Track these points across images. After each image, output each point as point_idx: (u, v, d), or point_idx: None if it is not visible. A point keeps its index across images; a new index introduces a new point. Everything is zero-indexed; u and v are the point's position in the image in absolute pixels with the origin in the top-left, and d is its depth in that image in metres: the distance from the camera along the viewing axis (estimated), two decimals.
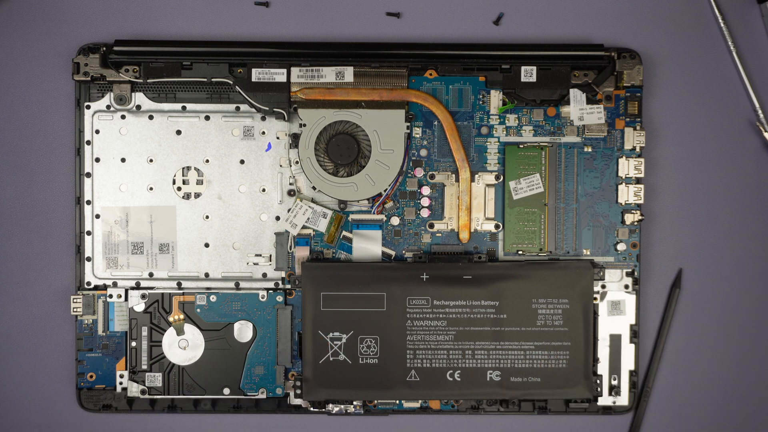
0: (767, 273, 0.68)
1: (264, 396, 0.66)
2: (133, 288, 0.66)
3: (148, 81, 0.64)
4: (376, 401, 0.66)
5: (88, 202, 0.65)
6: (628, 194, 0.66)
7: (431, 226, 0.66)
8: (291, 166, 0.66)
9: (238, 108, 0.66)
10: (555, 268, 0.64)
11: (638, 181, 0.66)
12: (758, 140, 0.68)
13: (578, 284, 0.64)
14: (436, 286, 0.64)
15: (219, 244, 0.66)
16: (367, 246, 0.66)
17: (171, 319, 0.66)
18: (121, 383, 0.66)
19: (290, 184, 0.66)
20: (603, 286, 0.66)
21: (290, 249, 0.66)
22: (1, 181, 0.67)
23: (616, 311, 0.66)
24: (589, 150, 0.66)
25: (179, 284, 0.66)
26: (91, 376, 0.66)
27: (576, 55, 0.65)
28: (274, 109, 0.64)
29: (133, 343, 0.66)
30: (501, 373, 0.64)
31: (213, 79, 0.64)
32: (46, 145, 0.67)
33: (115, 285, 0.66)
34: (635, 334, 0.66)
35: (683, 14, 0.67)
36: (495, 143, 0.66)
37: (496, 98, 0.66)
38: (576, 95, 0.66)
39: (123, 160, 0.65)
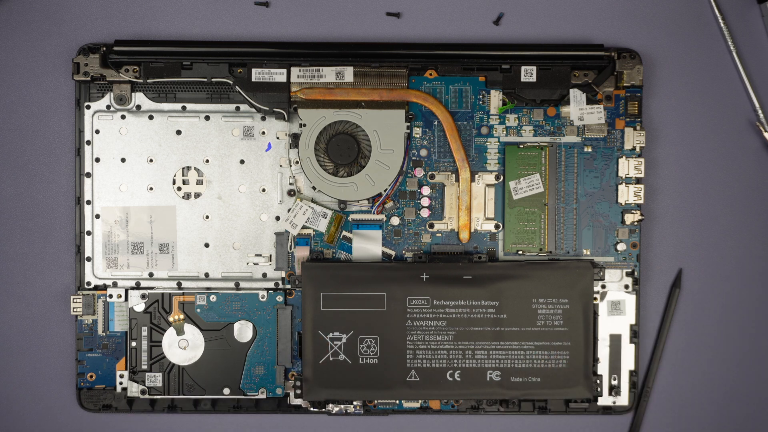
0: (767, 273, 0.68)
1: (264, 396, 0.66)
2: (133, 288, 0.66)
3: (148, 81, 0.64)
4: (376, 401, 0.66)
5: (88, 202, 0.65)
6: (628, 194, 0.66)
7: (431, 226, 0.66)
8: (291, 166, 0.66)
9: (238, 108, 0.66)
10: (555, 268, 0.64)
11: (638, 181, 0.66)
12: (758, 140, 0.68)
13: (578, 284, 0.64)
14: (436, 286, 0.64)
15: (219, 244, 0.66)
16: (367, 246, 0.66)
17: (171, 319, 0.66)
18: (121, 383, 0.66)
19: (290, 184, 0.66)
20: (603, 286, 0.66)
21: (290, 249, 0.66)
22: (1, 181, 0.67)
23: (616, 311, 0.66)
24: (589, 150, 0.66)
25: (179, 284, 0.66)
26: (91, 376, 0.66)
27: (576, 55, 0.65)
28: (274, 109, 0.64)
29: (133, 343, 0.66)
30: (501, 373, 0.64)
31: (213, 79, 0.65)
32: (46, 145, 0.67)
33: (115, 285, 0.66)
34: (635, 334, 0.66)
35: (683, 14, 0.67)
36: (495, 143, 0.66)
37: (496, 98, 0.66)
38: (576, 95, 0.66)
39: (123, 160, 0.65)
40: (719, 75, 0.68)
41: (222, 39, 0.67)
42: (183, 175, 0.66)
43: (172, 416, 0.67)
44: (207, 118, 0.65)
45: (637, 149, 0.66)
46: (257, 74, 0.64)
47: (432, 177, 0.66)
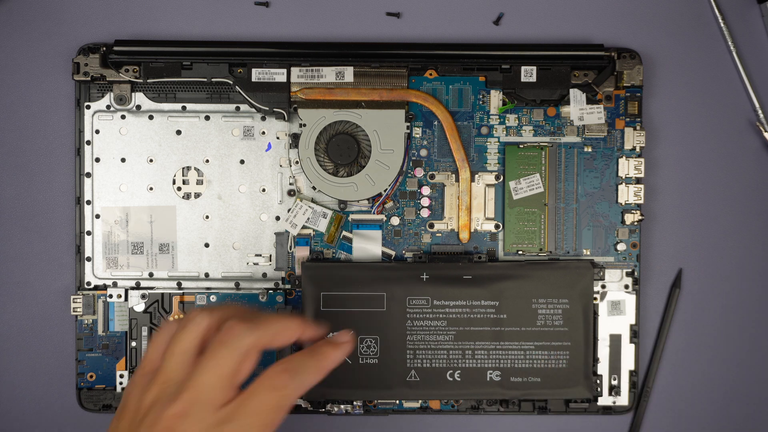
0: (767, 273, 0.68)
1: None
2: (133, 288, 0.66)
3: (148, 81, 0.64)
4: (376, 401, 0.66)
5: (88, 202, 0.65)
6: (628, 194, 0.66)
7: (431, 226, 0.66)
8: (291, 166, 0.66)
9: (238, 108, 0.66)
10: (555, 268, 0.64)
11: (638, 181, 0.66)
12: (758, 140, 0.68)
13: (578, 284, 0.64)
14: (436, 286, 0.64)
15: (219, 244, 0.66)
16: (367, 246, 0.66)
17: (171, 319, 0.66)
18: (121, 383, 0.66)
19: (290, 184, 0.66)
20: (603, 286, 0.66)
21: (290, 249, 0.66)
22: (1, 181, 0.67)
23: (616, 311, 0.66)
24: (589, 150, 0.66)
25: (179, 284, 0.66)
26: (91, 376, 0.66)
27: (576, 55, 0.65)
28: (274, 109, 0.64)
29: (133, 343, 0.66)
30: (501, 373, 0.64)
31: (213, 79, 0.64)
32: (46, 145, 0.67)
33: (115, 285, 0.66)
34: (635, 334, 0.66)
35: (683, 14, 0.67)
36: (495, 143, 0.66)
37: (496, 98, 0.66)
38: (576, 95, 0.66)
39: (123, 160, 0.65)
40: (719, 75, 0.68)
41: (222, 39, 0.67)
42: (183, 175, 0.66)
43: None
44: (207, 118, 0.65)
45: (637, 149, 0.66)
46: (257, 74, 0.64)
47: (432, 177, 0.66)
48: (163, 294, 0.66)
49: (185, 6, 0.67)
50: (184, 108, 0.66)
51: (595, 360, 0.66)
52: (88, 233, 0.65)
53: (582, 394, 0.65)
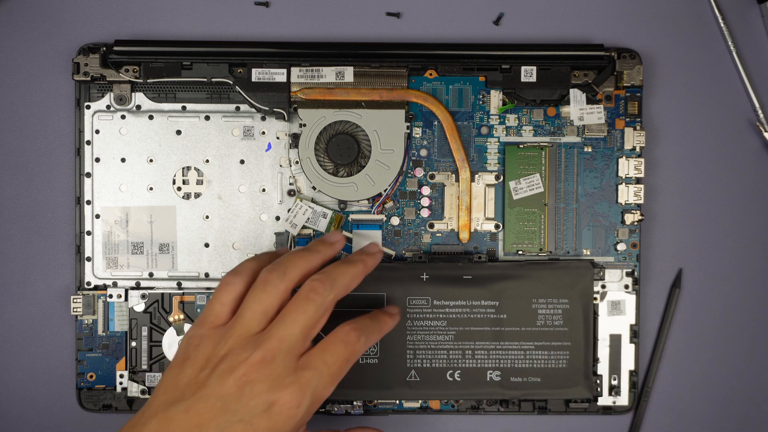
0: (767, 273, 0.68)
1: None
2: (133, 288, 0.66)
3: (148, 81, 0.64)
4: (376, 401, 0.66)
5: (88, 202, 0.65)
6: (628, 194, 0.66)
7: (431, 226, 0.66)
8: (291, 166, 0.66)
9: (238, 108, 0.66)
10: (555, 268, 0.64)
11: (638, 181, 0.66)
12: (758, 140, 0.68)
13: (578, 284, 0.64)
14: (436, 286, 0.64)
15: (219, 244, 0.66)
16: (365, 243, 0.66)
17: (171, 319, 0.66)
18: (121, 383, 0.66)
19: (290, 184, 0.66)
20: (603, 286, 0.66)
21: (290, 249, 0.66)
22: (1, 181, 0.67)
23: (616, 311, 0.66)
24: (589, 150, 0.66)
25: (179, 284, 0.66)
26: (91, 376, 0.66)
27: (576, 55, 0.65)
28: (274, 109, 0.64)
29: (133, 343, 0.66)
30: (501, 373, 0.64)
31: (213, 79, 0.65)
32: (46, 145, 0.67)
33: (115, 285, 0.66)
34: (635, 334, 0.66)
35: (683, 14, 0.67)
36: (495, 143, 0.66)
37: (496, 98, 0.66)
38: (576, 95, 0.66)
39: (123, 160, 0.65)
40: (719, 75, 0.68)
41: (222, 39, 0.67)
42: (183, 175, 0.66)
43: None
44: (207, 118, 0.65)
45: (637, 149, 0.66)
46: (257, 74, 0.64)
47: (432, 177, 0.66)
48: (163, 294, 0.66)
49: (185, 6, 0.67)
50: (184, 108, 0.66)
51: (595, 360, 0.66)
52: (88, 233, 0.65)
53: (582, 394, 0.65)
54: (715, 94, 0.68)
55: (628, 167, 0.66)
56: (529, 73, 0.65)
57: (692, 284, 0.68)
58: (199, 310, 0.66)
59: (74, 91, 0.66)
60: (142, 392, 0.66)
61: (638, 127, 0.66)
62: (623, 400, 0.67)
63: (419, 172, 0.66)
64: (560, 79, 0.65)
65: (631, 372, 0.67)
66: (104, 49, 0.64)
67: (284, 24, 0.67)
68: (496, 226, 0.66)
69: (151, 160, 0.66)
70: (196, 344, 0.54)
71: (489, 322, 0.64)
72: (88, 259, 0.66)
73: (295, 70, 0.64)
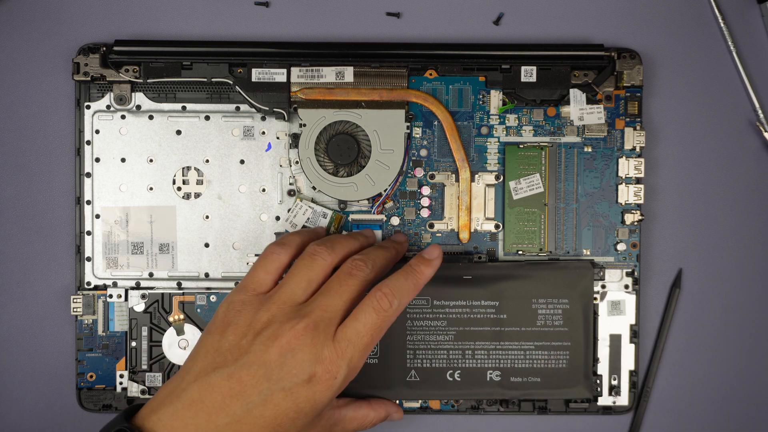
0: (767, 273, 0.68)
1: None
2: (133, 288, 0.66)
3: (148, 81, 0.64)
4: None
5: (88, 202, 0.65)
6: (628, 194, 0.66)
7: (431, 226, 0.66)
8: (291, 166, 0.66)
9: (238, 108, 0.66)
10: (555, 268, 0.64)
11: (638, 181, 0.66)
12: (758, 140, 0.68)
13: (578, 284, 0.64)
14: (436, 286, 0.64)
15: (219, 244, 0.66)
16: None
17: (171, 319, 0.66)
18: (121, 383, 0.66)
19: (290, 184, 0.66)
20: (603, 286, 0.66)
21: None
22: (1, 181, 0.67)
23: (616, 311, 0.66)
24: (589, 150, 0.66)
25: (179, 284, 0.66)
26: (91, 376, 0.66)
27: (576, 55, 0.65)
28: (274, 109, 0.64)
29: (133, 343, 0.66)
30: (501, 373, 0.64)
31: (213, 79, 0.64)
32: (46, 145, 0.67)
33: (115, 285, 0.66)
34: (635, 334, 0.66)
35: (683, 14, 0.67)
36: (495, 143, 0.66)
37: (496, 98, 0.66)
38: (576, 95, 0.66)
39: (123, 160, 0.65)
40: (719, 75, 0.68)
41: (222, 39, 0.67)
42: (183, 175, 0.66)
43: None
44: (207, 118, 0.65)
45: (637, 149, 0.66)
46: (257, 74, 0.64)
47: (432, 177, 0.66)
48: (163, 294, 0.66)
49: (185, 6, 0.67)
50: (184, 108, 0.66)
51: (595, 360, 0.66)
52: (88, 233, 0.65)
53: (582, 394, 0.65)
54: (715, 94, 0.68)
55: (628, 167, 0.66)
56: (529, 73, 0.65)
57: (692, 284, 0.68)
58: (199, 310, 0.66)
59: (74, 91, 0.66)
60: (142, 392, 0.66)
61: (638, 127, 0.66)
62: (623, 400, 0.67)
63: (419, 172, 0.66)
64: (560, 79, 0.65)
65: (631, 372, 0.67)
66: (104, 49, 0.64)
67: (284, 24, 0.67)
68: (496, 226, 0.66)
69: (151, 160, 0.66)
70: (238, 309, 0.55)
71: (489, 322, 0.64)
72: (88, 259, 0.66)
73: (295, 70, 0.64)
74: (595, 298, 0.66)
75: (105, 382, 0.66)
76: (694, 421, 0.69)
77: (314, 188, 0.65)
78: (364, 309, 0.55)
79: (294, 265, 0.57)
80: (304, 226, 0.65)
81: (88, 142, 0.65)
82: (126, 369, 0.66)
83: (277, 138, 0.66)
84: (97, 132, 0.65)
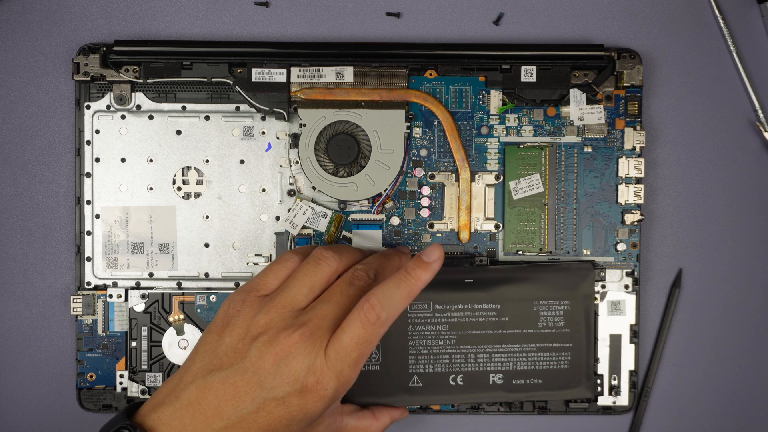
0: (767, 273, 0.68)
1: None
2: (133, 288, 0.66)
3: (148, 81, 0.64)
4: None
5: (88, 202, 0.65)
6: (628, 194, 0.66)
7: (431, 226, 0.66)
8: (291, 166, 0.66)
9: (238, 108, 0.66)
10: (556, 270, 0.64)
11: (638, 181, 0.66)
12: (758, 140, 0.68)
13: (580, 286, 0.64)
14: (437, 291, 0.64)
15: (219, 244, 0.66)
16: (367, 246, 0.66)
17: (171, 319, 0.66)
18: (121, 383, 0.66)
19: (290, 184, 0.66)
20: (603, 286, 0.66)
21: (290, 249, 0.66)
22: (1, 181, 0.67)
23: (616, 311, 0.66)
24: (589, 150, 0.66)
25: (179, 284, 0.66)
26: (91, 376, 0.66)
27: (576, 55, 0.65)
28: (274, 109, 0.64)
29: (133, 343, 0.66)
30: (503, 376, 0.64)
31: (213, 79, 0.64)
32: (46, 145, 0.67)
33: (115, 285, 0.66)
34: (635, 334, 0.66)
35: (683, 14, 0.67)
36: (495, 143, 0.66)
37: (496, 98, 0.66)
38: (576, 95, 0.66)
39: (123, 160, 0.65)
40: (719, 75, 0.68)
41: (222, 39, 0.67)
42: (183, 175, 0.66)
43: None
44: (207, 118, 0.65)
45: (637, 149, 0.66)
46: (257, 74, 0.64)
47: (432, 177, 0.66)
48: (163, 294, 0.66)
49: (185, 6, 0.67)
50: (184, 108, 0.66)
51: (596, 360, 0.66)
52: (88, 233, 0.65)
53: (584, 394, 0.65)
54: (715, 94, 0.68)
55: (628, 167, 0.66)
56: (529, 73, 0.65)
57: (692, 284, 0.68)
58: (198, 310, 0.66)
59: (74, 91, 0.66)
60: (142, 392, 0.66)
61: (638, 127, 0.66)
62: (623, 400, 0.67)
63: (419, 172, 0.66)
64: (560, 79, 0.65)
65: (631, 372, 0.67)
66: (104, 49, 0.64)
67: (284, 24, 0.67)
68: (496, 226, 0.66)
69: (151, 160, 0.66)
70: (237, 309, 0.54)
71: (491, 325, 0.64)
72: (88, 259, 0.65)
73: (295, 70, 0.64)
74: (596, 298, 0.66)
75: (105, 382, 0.66)
76: (694, 421, 0.69)
77: (314, 188, 0.65)
78: (351, 322, 0.53)
79: (298, 269, 0.56)
80: (304, 226, 0.65)
81: (88, 142, 0.65)
82: (126, 369, 0.66)
83: (277, 138, 0.66)
84: (97, 132, 0.65)
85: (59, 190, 0.67)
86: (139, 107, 0.65)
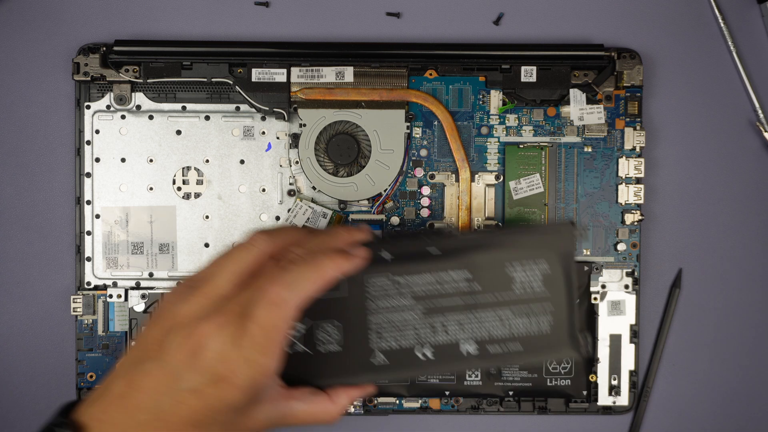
0: (767, 273, 0.68)
1: None
2: (133, 288, 0.66)
3: (148, 81, 0.64)
4: (376, 401, 0.66)
5: (88, 202, 0.65)
6: (628, 194, 0.66)
7: (431, 226, 0.66)
8: (291, 166, 0.66)
9: (238, 108, 0.66)
10: (532, 232, 0.58)
11: (638, 181, 0.66)
12: (758, 140, 0.68)
13: (558, 245, 0.58)
14: (398, 264, 0.58)
15: (219, 244, 0.66)
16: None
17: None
18: None
19: (290, 184, 0.66)
20: (603, 286, 0.66)
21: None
22: (1, 181, 0.67)
23: (616, 311, 0.66)
24: (589, 150, 0.66)
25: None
26: (91, 376, 0.66)
27: (576, 55, 0.65)
28: (274, 109, 0.64)
29: (133, 343, 0.66)
30: (478, 346, 0.59)
31: (213, 79, 0.64)
32: (46, 145, 0.67)
33: (115, 285, 0.66)
34: (635, 334, 0.66)
35: (683, 14, 0.67)
36: (495, 143, 0.66)
37: (496, 98, 0.66)
38: (576, 95, 0.66)
39: (123, 160, 0.65)
40: (719, 75, 0.68)
41: (222, 39, 0.67)
42: (183, 175, 0.66)
43: None
44: (207, 118, 0.65)
45: (637, 149, 0.66)
46: (257, 74, 0.64)
47: (432, 177, 0.66)
48: (163, 294, 0.66)
49: (185, 6, 0.67)
50: (184, 108, 0.66)
51: (595, 360, 0.66)
52: (88, 233, 0.65)
53: (568, 354, 0.59)
54: (715, 94, 0.68)
55: (628, 167, 0.66)
56: (529, 73, 0.65)
57: (692, 284, 0.68)
58: None
59: (74, 91, 0.66)
60: None
61: (638, 127, 0.66)
62: (623, 400, 0.67)
63: (419, 172, 0.66)
64: (560, 79, 0.65)
65: (631, 372, 0.67)
66: (104, 49, 0.64)
67: (284, 24, 0.67)
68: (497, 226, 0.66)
69: (151, 160, 0.66)
70: (167, 300, 0.52)
71: (461, 294, 0.58)
72: (88, 259, 0.65)
73: (295, 70, 0.64)
74: (595, 298, 0.66)
75: None
76: (694, 421, 0.69)
77: (314, 188, 0.65)
78: (257, 306, 0.50)
79: (227, 254, 0.53)
80: (304, 226, 0.65)
81: (88, 142, 0.65)
82: None
83: (277, 138, 0.66)
84: (97, 132, 0.65)
85: (59, 190, 0.67)
86: (139, 107, 0.65)
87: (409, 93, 0.65)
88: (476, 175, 0.66)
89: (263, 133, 0.66)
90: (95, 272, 0.66)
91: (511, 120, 0.66)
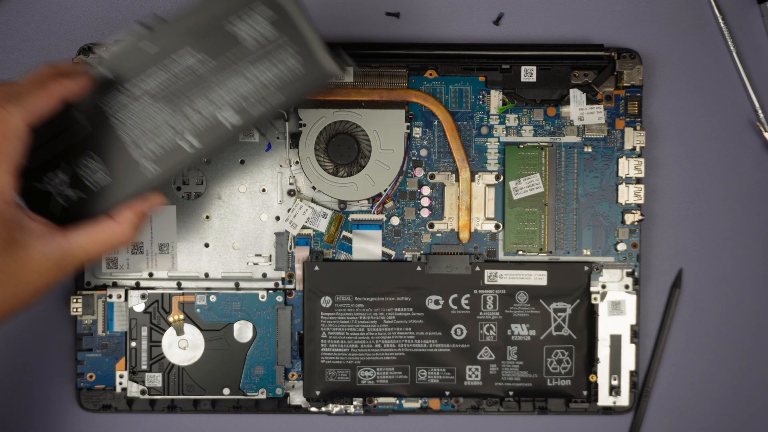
0: (767, 273, 0.68)
1: (264, 396, 0.66)
2: (133, 288, 0.66)
3: None
4: (376, 401, 0.66)
5: None
6: (628, 194, 0.66)
7: (431, 226, 0.66)
8: (291, 166, 0.66)
9: None
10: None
11: (638, 181, 0.66)
12: (758, 140, 0.68)
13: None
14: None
15: (219, 244, 0.66)
16: (367, 246, 0.66)
17: (171, 319, 0.66)
18: (120, 383, 0.66)
19: (290, 184, 0.66)
20: (603, 286, 0.66)
21: (290, 249, 0.66)
22: None
23: (617, 311, 0.66)
24: (589, 150, 0.66)
25: (179, 284, 0.66)
26: (91, 377, 0.66)
27: (576, 55, 0.65)
28: None
29: (133, 343, 0.66)
30: (237, 112, 0.56)
31: None
32: None
33: (114, 285, 0.66)
34: (635, 334, 0.66)
35: (683, 14, 0.67)
36: (495, 143, 0.66)
37: (496, 98, 0.66)
38: (576, 95, 0.66)
39: None
40: (719, 75, 0.68)
41: None
42: (183, 175, 0.66)
43: (171, 416, 0.67)
44: None
45: (637, 149, 0.66)
46: None
47: (432, 177, 0.66)
48: (162, 294, 0.66)
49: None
50: None
51: (596, 360, 0.66)
52: None
53: (328, 73, 0.56)
54: (715, 94, 0.68)
55: (628, 167, 0.66)
56: (529, 73, 0.65)
57: (692, 284, 0.68)
58: (198, 310, 0.66)
59: None
60: (142, 392, 0.66)
61: (638, 127, 0.66)
62: (623, 400, 0.67)
63: (419, 172, 0.66)
64: (560, 79, 0.65)
65: (631, 372, 0.67)
66: (104, 49, 0.64)
67: None
68: (496, 226, 0.66)
69: None
70: None
71: (196, 74, 0.56)
72: None
73: None
74: (596, 298, 0.66)
75: (105, 383, 0.66)
76: (694, 421, 0.68)
77: (314, 188, 0.65)
78: None
79: None
80: (304, 226, 0.65)
81: None
82: (126, 369, 0.66)
83: (277, 138, 0.66)
84: None
85: None
86: None
87: (409, 93, 0.65)
88: (476, 175, 0.66)
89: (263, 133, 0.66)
90: (95, 272, 0.66)
91: (511, 120, 0.66)
